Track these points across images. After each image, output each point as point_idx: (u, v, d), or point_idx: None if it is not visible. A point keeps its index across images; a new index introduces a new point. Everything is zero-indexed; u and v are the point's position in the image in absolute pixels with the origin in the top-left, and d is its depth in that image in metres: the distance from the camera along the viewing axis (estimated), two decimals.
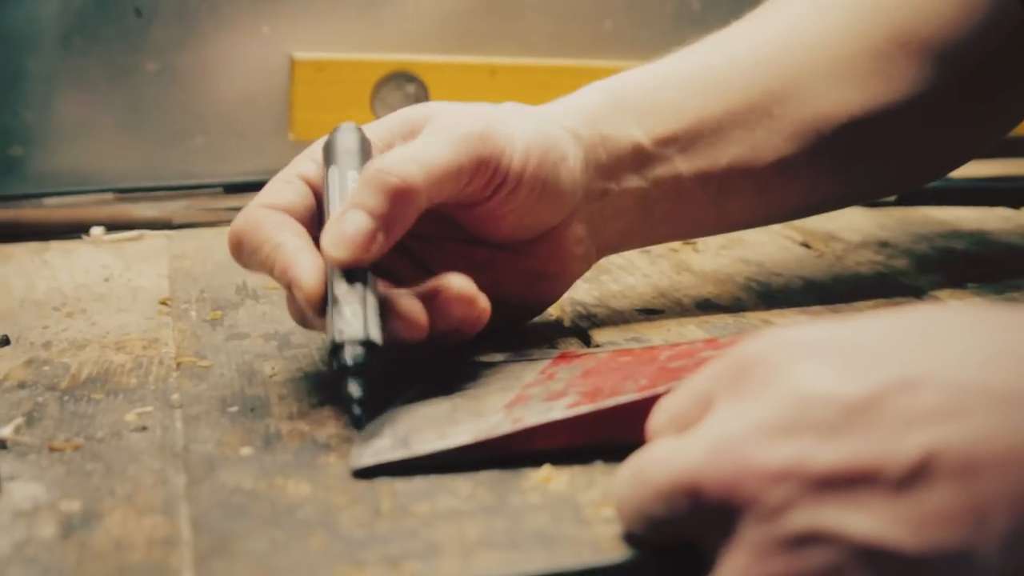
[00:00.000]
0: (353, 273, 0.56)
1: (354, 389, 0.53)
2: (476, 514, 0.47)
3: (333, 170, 0.60)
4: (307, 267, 0.56)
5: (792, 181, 0.71)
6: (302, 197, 0.61)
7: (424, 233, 0.64)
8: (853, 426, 0.38)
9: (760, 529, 0.39)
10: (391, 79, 1.02)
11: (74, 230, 0.93)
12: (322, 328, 0.59)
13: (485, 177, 0.61)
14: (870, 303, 0.73)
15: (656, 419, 0.46)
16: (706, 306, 0.73)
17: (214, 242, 0.90)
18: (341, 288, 0.55)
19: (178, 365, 0.64)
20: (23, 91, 0.98)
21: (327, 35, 1.02)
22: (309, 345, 0.67)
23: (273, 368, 0.64)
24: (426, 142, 0.60)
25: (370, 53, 1.03)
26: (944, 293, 0.74)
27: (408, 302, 0.57)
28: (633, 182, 0.67)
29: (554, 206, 0.64)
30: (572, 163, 0.64)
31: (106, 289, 0.79)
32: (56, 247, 0.90)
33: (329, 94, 1.01)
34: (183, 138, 1.01)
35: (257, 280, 0.79)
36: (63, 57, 0.98)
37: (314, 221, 0.60)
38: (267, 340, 0.68)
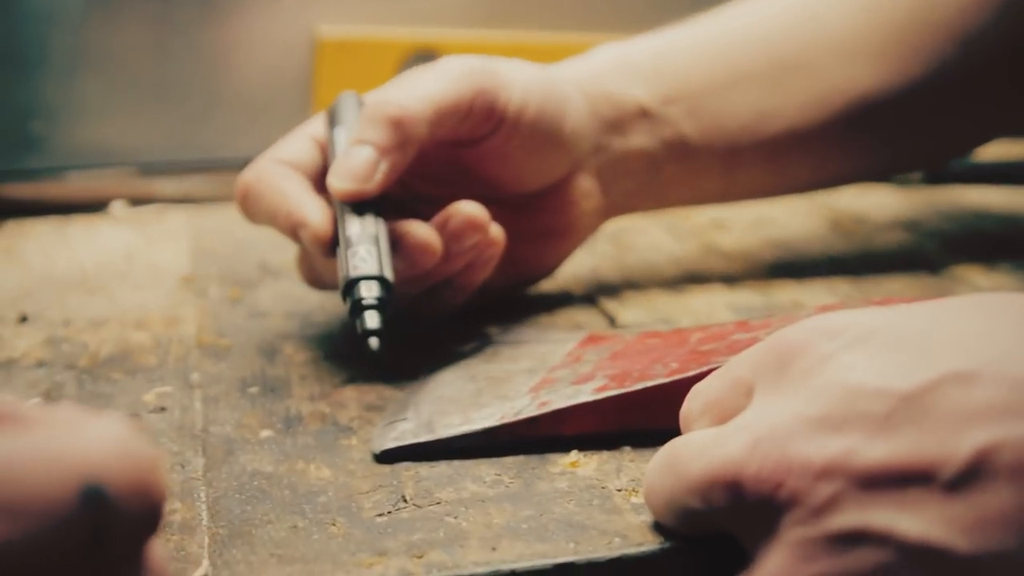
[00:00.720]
0: (363, 210, 0.57)
1: (371, 320, 0.53)
2: (502, 501, 0.46)
3: (339, 130, 0.61)
4: (312, 208, 0.58)
5: (802, 153, 0.70)
6: (310, 154, 0.62)
7: (433, 195, 0.64)
8: (904, 421, 0.37)
9: (804, 527, 0.38)
10: (418, 57, 1.01)
11: (96, 205, 0.92)
12: (332, 281, 0.59)
13: (483, 110, 0.60)
14: (900, 284, 0.71)
15: (690, 405, 0.44)
16: (735, 287, 0.72)
17: (236, 219, 0.88)
18: (353, 227, 0.56)
19: (198, 344, 0.63)
20: (45, 66, 0.97)
21: (351, 10, 1.01)
22: (331, 324, 0.66)
23: (294, 348, 0.63)
24: (422, 77, 0.60)
25: (395, 27, 1.01)
26: (974, 273, 0.73)
27: (420, 228, 0.58)
28: (640, 140, 0.67)
29: (557, 151, 0.64)
30: (575, 111, 0.64)
31: (127, 266, 0.78)
32: (77, 223, 0.88)
33: (353, 71, 1.00)
34: (206, 114, 1.00)
35: (279, 258, 0.78)
36: (85, 32, 0.97)
37: (321, 178, 0.61)
38: (288, 319, 0.67)
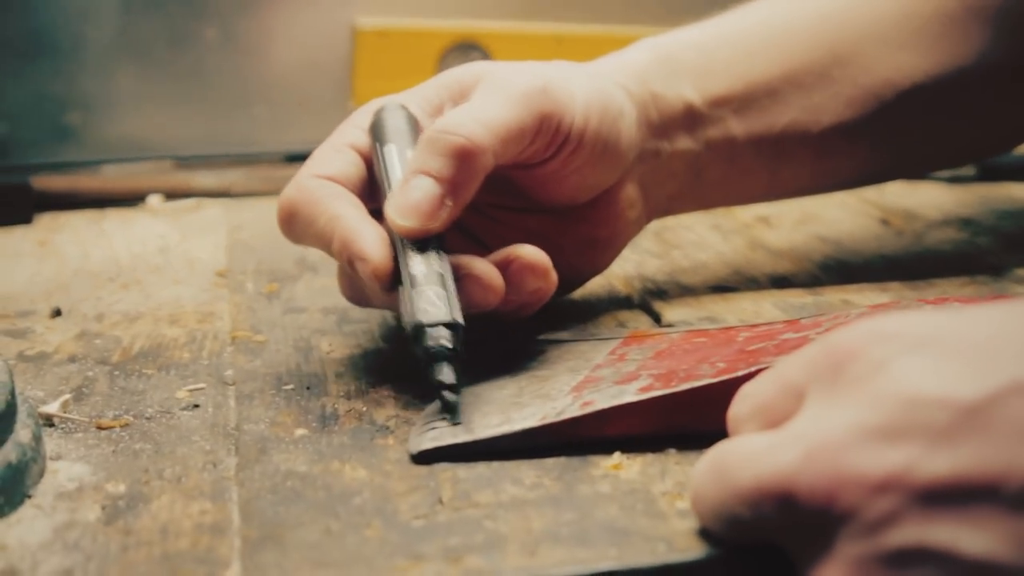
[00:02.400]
0: (425, 246, 0.53)
1: (446, 375, 0.50)
2: (542, 504, 0.45)
3: (390, 148, 0.57)
4: (371, 240, 0.53)
5: (850, 148, 0.68)
6: (354, 167, 0.58)
7: (478, 202, 0.61)
8: (967, 433, 0.35)
9: (860, 543, 0.36)
10: (457, 49, 1.00)
11: (132, 198, 0.91)
12: (384, 306, 0.57)
13: (548, 135, 0.58)
14: (954, 283, 0.69)
15: (739, 408, 0.42)
16: (782, 284, 0.70)
17: (273, 212, 0.87)
18: (417, 265, 0.52)
19: (233, 340, 0.62)
20: (82, 58, 0.96)
21: (391, 1, 1.00)
22: (369, 321, 0.64)
23: (331, 344, 0.61)
24: (484, 101, 0.56)
25: (435, 19, 1.00)
26: None
27: (484, 267, 0.54)
28: (685, 143, 0.65)
29: (613, 164, 0.62)
30: (628, 120, 0.62)
31: (162, 260, 0.77)
32: (113, 216, 0.87)
33: (392, 62, 0.99)
34: (243, 106, 0.99)
35: (316, 252, 0.76)
36: (122, 24, 0.97)
37: (367, 193, 0.57)
38: (325, 315, 0.66)
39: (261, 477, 0.47)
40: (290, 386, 0.56)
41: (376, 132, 0.58)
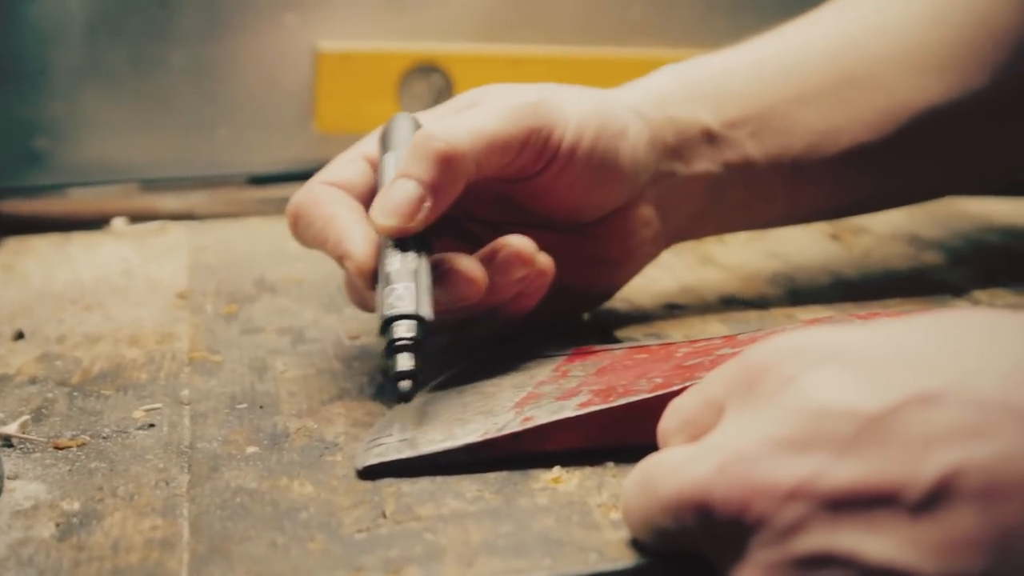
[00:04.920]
0: (406, 246, 0.55)
1: (404, 361, 0.52)
2: (481, 517, 0.46)
3: (390, 155, 0.60)
4: (358, 239, 0.56)
5: (868, 170, 0.69)
6: (362, 175, 0.61)
7: (487, 217, 0.63)
8: (869, 443, 0.37)
9: (771, 549, 0.37)
10: (419, 70, 1.01)
11: (97, 222, 0.92)
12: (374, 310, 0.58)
13: (536, 149, 0.59)
14: (900, 300, 0.71)
15: (667, 422, 0.44)
16: (730, 301, 0.72)
17: (235, 234, 0.90)
18: (393, 262, 0.55)
19: (190, 360, 0.64)
20: (48, 83, 0.97)
21: (353, 25, 1.01)
22: (323, 340, 0.66)
23: (285, 364, 0.63)
24: (475, 112, 0.59)
25: (396, 42, 1.02)
26: (978, 292, 0.72)
27: (465, 261, 0.57)
28: (703, 165, 0.66)
29: (612, 184, 0.63)
30: (633, 140, 0.63)
31: (124, 282, 0.78)
32: (78, 239, 0.89)
33: (354, 85, 1.00)
34: (207, 129, 1.00)
35: (276, 274, 0.78)
36: (87, 49, 0.98)
37: (373, 199, 0.59)
38: (281, 335, 0.67)
39: (211, 494, 0.49)
40: (244, 405, 0.58)
41: (382, 140, 0.61)
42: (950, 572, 0.35)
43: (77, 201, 0.94)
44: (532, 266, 0.58)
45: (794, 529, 0.37)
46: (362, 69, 1.01)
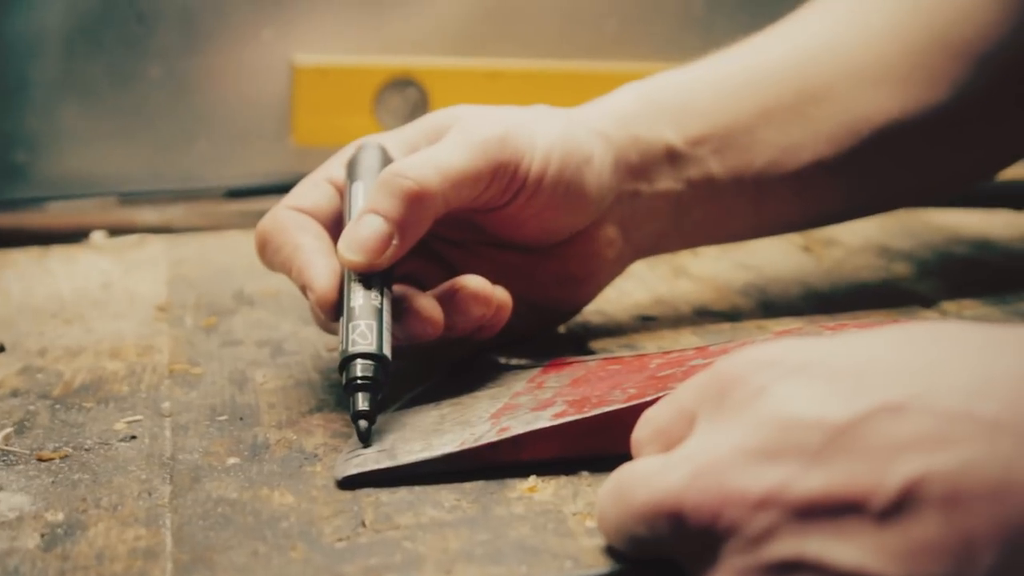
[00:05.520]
0: (370, 281, 0.56)
1: (362, 402, 0.53)
2: (459, 526, 0.47)
3: (358, 185, 0.60)
4: (321, 270, 0.57)
5: (831, 183, 0.70)
6: (328, 200, 0.62)
7: (452, 237, 0.64)
8: (837, 452, 0.37)
9: (742, 556, 0.38)
10: (395, 84, 1.02)
11: (76, 235, 0.93)
12: (333, 334, 0.59)
13: (503, 182, 0.60)
14: (870, 311, 0.72)
15: (640, 432, 0.45)
16: (703, 313, 0.73)
17: (214, 247, 0.90)
18: (357, 297, 0.56)
19: (170, 372, 0.64)
20: (26, 97, 0.98)
21: (329, 39, 1.02)
22: (302, 353, 0.67)
23: (265, 376, 0.64)
24: (444, 146, 0.59)
25: (372, 56, 1.02)
26: (947, 303, 0.74)
27: (423, 301, 0.57)
28: (666, 183, 0.67)
29: (578, 209, 0.63)
30: (598, 165, 0.63)
31: (104, 295, 0.79)
32: (57, 253, 0.90)
33: (331, 98, 1.01)
34: (185, 142, 1.01)
35: (255, 286, 0.79)
36: (66, 63, 0.98)
37: (338, 228, 0.60)
38: (260, 347, 0.68)
39: (193, 504, 0.50)
40: (224, 417, 0.58)
41: (349, 169, 0.62)
42: None
43: (56, 215, 0.94)
44: (490, 305, 0.59)
45: (764, 536, 0.38)
46: (339, 83, 1.01)
